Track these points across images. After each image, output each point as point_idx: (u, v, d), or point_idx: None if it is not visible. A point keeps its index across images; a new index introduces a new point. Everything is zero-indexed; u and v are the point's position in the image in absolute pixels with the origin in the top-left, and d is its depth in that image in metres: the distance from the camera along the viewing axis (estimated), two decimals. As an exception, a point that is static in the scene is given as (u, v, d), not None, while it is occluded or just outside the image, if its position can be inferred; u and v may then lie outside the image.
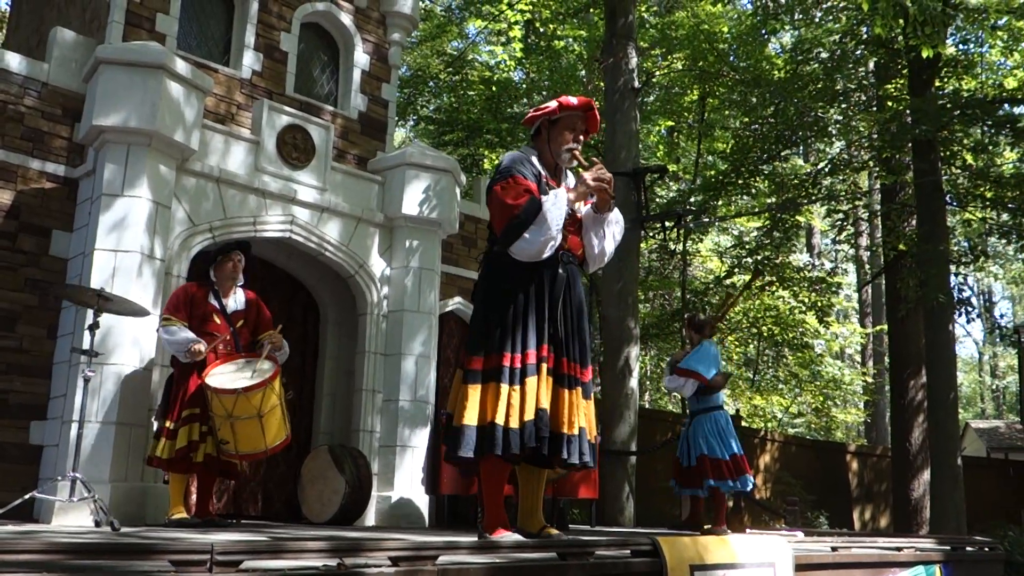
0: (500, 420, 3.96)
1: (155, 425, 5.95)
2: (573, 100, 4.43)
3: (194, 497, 6.61)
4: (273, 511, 7.82)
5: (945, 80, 12.82)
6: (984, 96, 11.74)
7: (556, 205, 4.10)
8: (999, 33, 12.18)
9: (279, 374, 5.76)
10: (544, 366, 4.10)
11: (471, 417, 4.02)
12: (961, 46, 13.23)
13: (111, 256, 6.21)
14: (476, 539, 3.95)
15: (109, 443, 5.92)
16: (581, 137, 4.45)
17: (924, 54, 8.80)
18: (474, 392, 4.07)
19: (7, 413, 6.33)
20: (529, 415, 3.99)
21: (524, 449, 3.98)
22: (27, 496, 5.05)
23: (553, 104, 4.41)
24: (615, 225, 4.45)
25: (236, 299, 6.12)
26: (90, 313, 5.41)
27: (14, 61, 6.73)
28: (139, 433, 6.11)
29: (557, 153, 4.41)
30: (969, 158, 12.23)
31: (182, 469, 5.77)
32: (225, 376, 5.64)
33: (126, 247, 6.25)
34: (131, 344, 6.15)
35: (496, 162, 15.59)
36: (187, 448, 5.64)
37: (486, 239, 4.58)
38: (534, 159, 4.40)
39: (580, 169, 4.32)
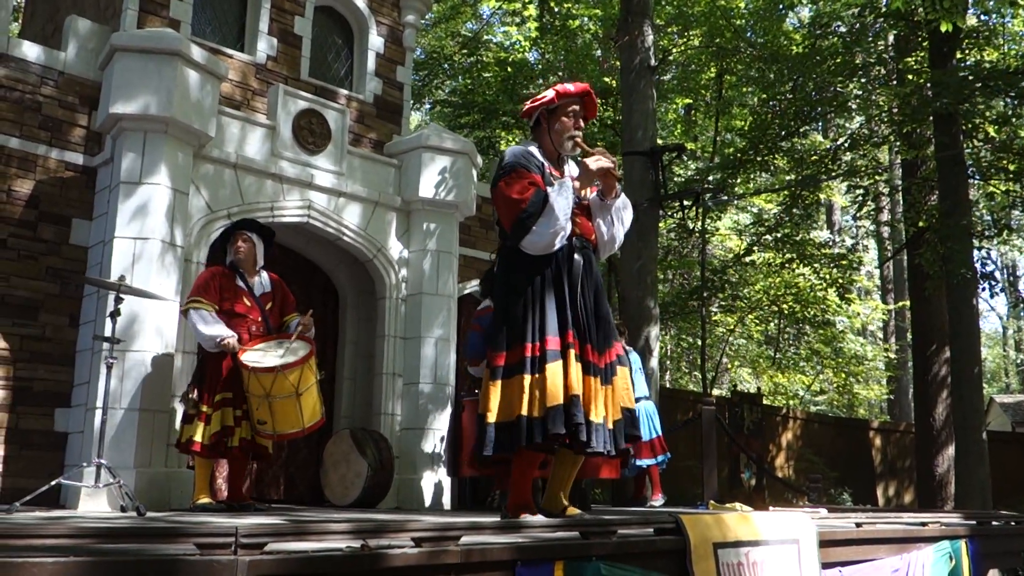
0: (524, 411, 3.95)
1: (180, 408, 5.98)
2: (570, 87, 4.40)
3: (219, 481, 6.67)
4: (296, 495, 7.88)
5: (966, 52, 12.63)
6: (1006, 67, 11.56)
7: (562, 195, 4.08)
8: (1021, 2, 11.97)
9: (314, 353, 5.80)
10: (572, 352, 4.06)
11: (494, 414, 4.02)
12: (982, 17, 13.03)
13: (131, 244, 6.24)
14: (499, 519, 3.95)
15: (133, 429, 5.97)
16: (581, 123, 4.42)
17: (943, 28, 8.68)
18: (495, 388, 4.06)
19: (32, 400, 6.40)
20: (552, 401, 3.95)
21: (548, 437, 3.96)
22: (53, 483, 5.10)
23: (550, 93, 4.38)
24: (623, 211, 4.43)
25: (262, 281, 6.14)
26: (111, 300, 5.44)
27: (31, 51, 6.75)
28: (163, 419, 6.16)
29: (559, 142, 4.38)
30: (991, 130, 12.07)
31: (216, 454, 5.81)
32: (261, 356, 5.68)
33: (146, 234, 6.27)
34: (153, 331, 6.19)
35: (512, 144, 15.54)
36: (221, 433, 5.66)
37: (497, 235, 4.57)
38: (536, 151, 4.36)
39: (583, 156, 4.29)
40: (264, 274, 6.19)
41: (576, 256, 4.23)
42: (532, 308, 4.11)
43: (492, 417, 4.00)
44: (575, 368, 4.04)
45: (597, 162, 4.20)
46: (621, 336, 8.71)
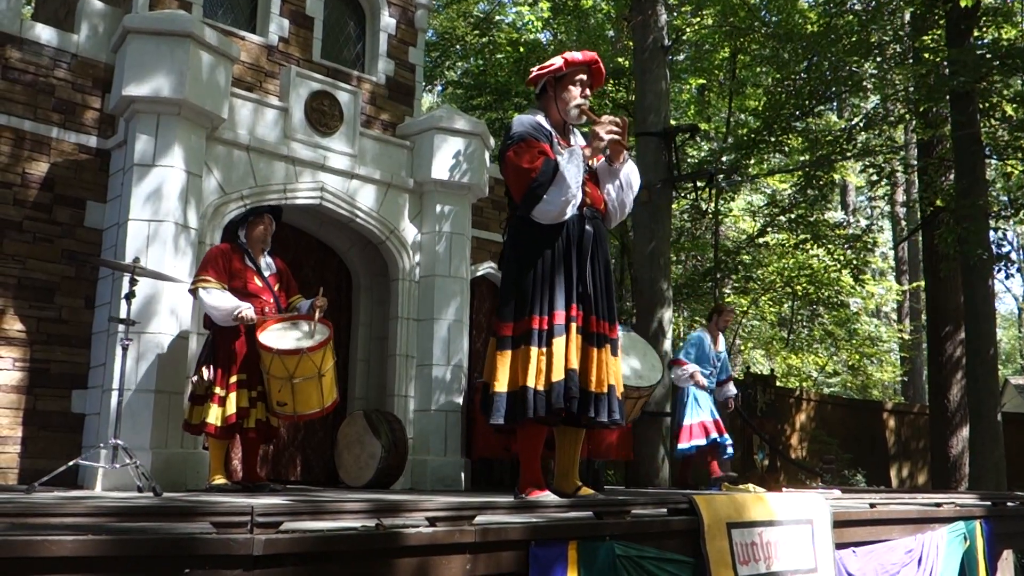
0: (531, 383, 3.98)
1: (190, 386, 5.99)
2: (578, 55, 4.39)
3: (235, 462, 6.72)
4: (312, 476, 7.93)
5: (984, 29, 12.47)
6: (1024, 45, 11.42)
7: (573, 163, 4.07)
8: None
9: (332, 335, 5.83)
10: (573, 325, 4.09)
11: (503, 383, 4.05)
12: (1001, -6, 12.85)
13: (145, 226, 6.26)
14: (513, 499, 3.97)
15: (149, 410, 6.01)
16: (588, 92, 4.41)
17: (963, 3, 8.57)
18: (504, 358, 4.09)
19: (49, 382, 6.45)
20: (557, 376, 3.99)
21: (552, 410, 3.99)
22: (71, 463, 5.16)
23: (558, 61, 4.36)
24: (631, 175, 4.42)
25: (268, 263, 6.17)
26: (126, 283, 5.47)
27: (44, 33, 6.76)
28: (178, 400, 6.19)
29: (565, 110, 4.36)
30: (1009, 109, 11.92)
31: (232, 436, 5.84)
32: (279, 337, 5.70)
33: (160, 217, 6.29)
34: (168, 312, 6.22)
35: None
36: (237, 414, 5.70)
37: (506, 206, 4.57)
38: (542, 120, 4.35)
39: (590, 124, 4.28)
40: (269, 257, 6.22)
41: (587, 227, 4.22)
42: (541, 280, 4.12)
43: (501, 386, 4.03)
44: (575, 341, 4.07)
45: (607, 130, 4.19)
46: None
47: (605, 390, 4.11)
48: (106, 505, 2.78)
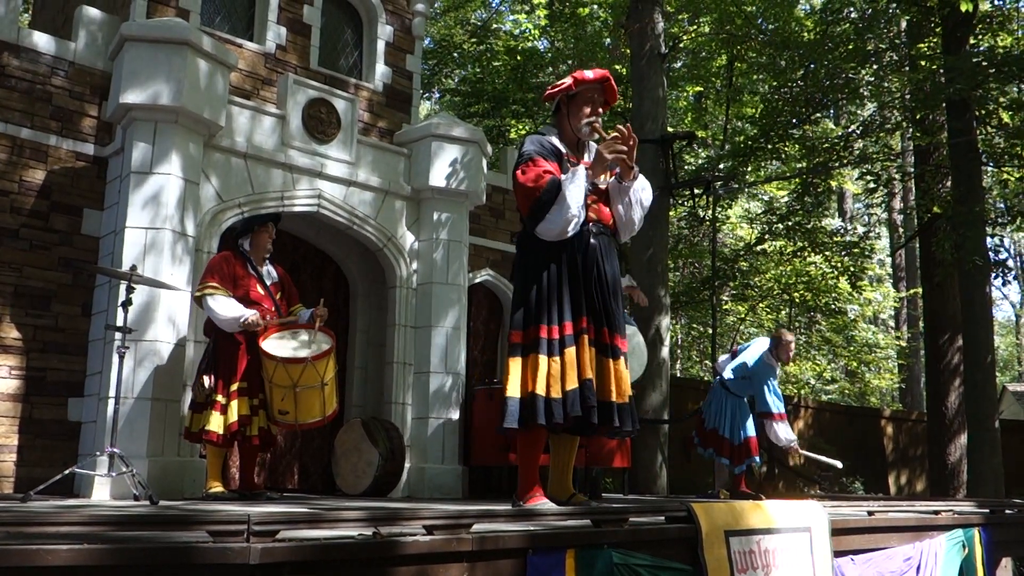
0: (540, 391, 4.06)
1: (191, 395, 5.99)
2: (589, 73, 4.46)
3: (233, 470, 6.70)
4: (310, 484, 7.91)
5: (980, 37, 12.50)
6: (1020, 52, 11.44)
7: (575, 183, 4.14)
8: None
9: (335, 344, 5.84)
10: (585, 337, 4.18)
11: (513, 389, 4.14)
12: (997, 1, 12.90)
13: (143, 233, 6.25)
14: (511, 507, 3.96)
15: (145, 418, 6.00)
16: (600, 109, 4.47)
17: (963, 8, 8.59)
18: (515, 365, 4.18)
19: (45, 390, 6.43)
20: (571, 384, 4.08)
21: (568, 418, 4.05)
22: (67, 471, 5.14)
23: (569, 80, 4.45)
24: (642, 192, 4.47)
25: (269, 271, 6.17)
26: (123, 290, 5.46)
27: (41, 40, 6.76)
28: (175, 408, 6.18)
29: (577, 128, 4.44)
30: (1005, 117, 11.94)
31: (232, 443, 5.83)
32: (285, 346, 5.69)
33: (158, 224, 6.29)
34: (165, 320, 6.21)
35: (522, 133, 15.55)
36: (239, 422, 5.69)
37: (519, 220, 4.65)
38: (554, 139, 4.44)
39: (599, 142, 4.34)
40: (270, 265, 6.22)
41: (592, 241, 4.28)
42: (549, 291, 4.22)
43: (511, 391, 4.16)
44: (588, 353, 4.16)
45: (611, 149, 4.23)
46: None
47: (626, 400, 4.22)
48: (102, 514, 2.77)
